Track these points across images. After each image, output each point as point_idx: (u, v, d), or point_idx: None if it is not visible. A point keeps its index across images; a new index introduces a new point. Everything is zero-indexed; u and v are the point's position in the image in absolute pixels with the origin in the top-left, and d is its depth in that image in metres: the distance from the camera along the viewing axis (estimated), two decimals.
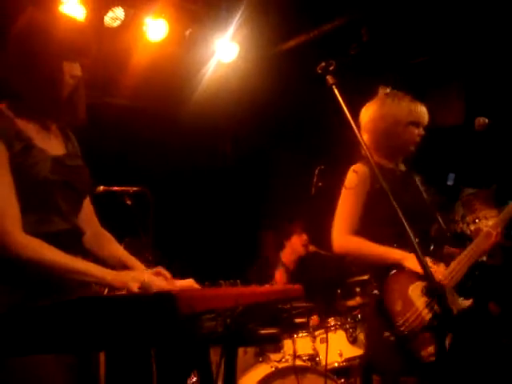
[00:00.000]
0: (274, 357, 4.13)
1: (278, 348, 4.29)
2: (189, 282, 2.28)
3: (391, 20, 5.09)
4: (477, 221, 6.06)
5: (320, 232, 5.26)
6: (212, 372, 1.83)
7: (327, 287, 4.80)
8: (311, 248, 5.06)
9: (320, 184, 4.88)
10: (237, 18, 4.96)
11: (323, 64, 2.49)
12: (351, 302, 4.71)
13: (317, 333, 4.49)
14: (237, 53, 5.32)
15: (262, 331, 1.98)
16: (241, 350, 3.95)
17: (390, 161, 3.25)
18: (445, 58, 5.42)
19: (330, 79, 2.47)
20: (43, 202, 2.12)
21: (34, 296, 2.03)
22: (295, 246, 5.41)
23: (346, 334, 4.43)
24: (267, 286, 2.33)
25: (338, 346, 4.39)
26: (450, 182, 7.03)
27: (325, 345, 4.32)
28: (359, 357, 4.30)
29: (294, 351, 3.92)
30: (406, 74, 5.64)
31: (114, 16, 4.71)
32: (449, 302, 2.95)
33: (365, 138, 3.19)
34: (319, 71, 2.50)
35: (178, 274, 2.47)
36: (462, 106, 5.76)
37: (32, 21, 2.24)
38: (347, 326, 4.45)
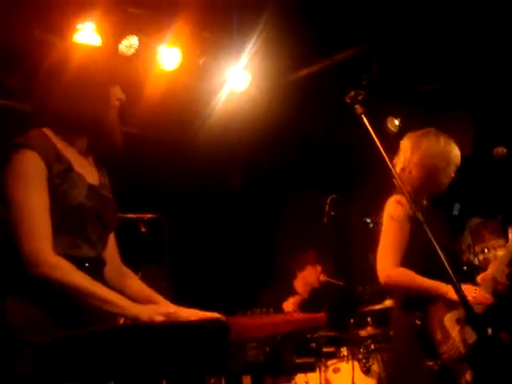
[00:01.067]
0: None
1: (289, 378, 4.26)
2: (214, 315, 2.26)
3: (401, 49, 5.14)
4: (486, 251, 6.06)
5: (331, 261, 5.29)
6: None
7: (340, 317, 4.77)
8: (322, 277, 5.04)
9: (332, 213, 4.90)
10: (250, 46, 4.99)
11: (352, 93, 2.51)
12: (363, 332, 4.69)
13: (329, 362, 4.46)
14: (249, 81, 5.35)
15: (298, 360, 1.97)
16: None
17: (419, 196, 3.26)
18: (455, 88, 5.46)
19: (358, 108, 2.49)
20: (75, 226, 2.12)
21: (61, 319, 2.03)
22: (309, 276, 5.39)
23: (360, 365, 4.41)
24: (295, 314, 2.31)
25: (350, 377, 4.36)
26: (455, 212, 7.06)
27: (337, 374, 4.29)
28: None
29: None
30: (416, 104, 5.68)
31: (129, 44, 4.74)
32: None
33: (415, 170, 3.22)
34: (348, 100, 2.53)
35: (192, 302, 2.49)
36: (471, 137, 5.79)
37: (73, 52, 2.28)
38: (360, 356, 4.43)
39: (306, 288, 5.44)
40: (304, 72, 5.42)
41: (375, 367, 4.35)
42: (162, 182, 5.52)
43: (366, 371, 4.37)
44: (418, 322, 2.96)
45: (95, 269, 2.20)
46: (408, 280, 3.05)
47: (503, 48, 4.85)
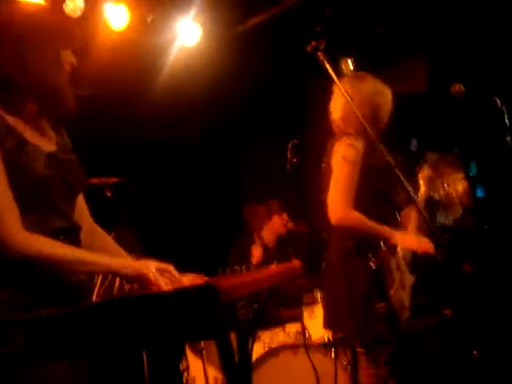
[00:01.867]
0: (264, 335, 4.16)
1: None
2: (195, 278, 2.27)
3: None
4: (445, 185, 6.19)
5: (296, 208, 5.32)
6: (251, 358, 1.83)
7: (310, 263, 4.83)
8: (290, 225, 5.08)
9: (295, 160, 4.89)
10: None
11: (314, 43, 2.50)
12: None
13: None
14: (200, 35, 5.26)
15: (284, 312, 2.02)
16: None
17: (364, 136, 3.27)
18: (407, 29, 5.48)
19: (320, 55, 2.49)
20: (40, 200, 2.05)
21: (45, 299, 1.99)
22: (276, 225, 5.44)
23: None
24: (274, 266, 2.33)
25: None
26: (413, 148, 7.17)
27: (313, 320, 4.38)
28: None
29: (303, 328, 3.83)
30: (370, 46, 5.69)
31: (74, 4, 4.60)
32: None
33: (362, 112, 3.23)
34: (309, 50, 2.52)
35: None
36: (426, 75, 5.85)
37: (20, 12, 2.18)
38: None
39: (272, 236, 5.50)
40: (255, 21, 5.35)
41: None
42: (118, 142, 5.44)
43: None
44: (374, 266, 3.01)
45: (71, 238, 2.14)
46: (360, 223, 3.11)
47: None
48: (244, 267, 2.16)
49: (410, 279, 3.15)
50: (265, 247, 5.45)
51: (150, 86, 5.45)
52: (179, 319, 1.47)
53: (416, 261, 3.23)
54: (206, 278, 2.03)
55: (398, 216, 3.26)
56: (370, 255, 3.05)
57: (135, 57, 5.23)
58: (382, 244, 3.10)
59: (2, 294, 1.95)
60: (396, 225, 3.21)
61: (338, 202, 3.12)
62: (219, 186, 6.26)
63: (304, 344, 3.72)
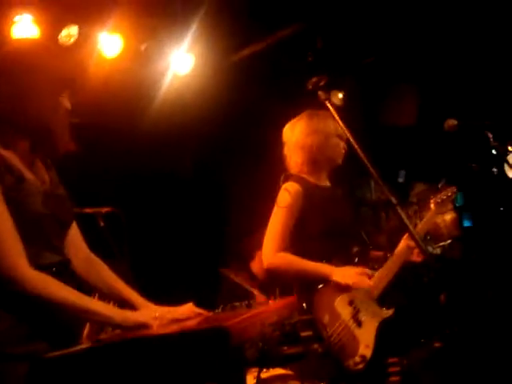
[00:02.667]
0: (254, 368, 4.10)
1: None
2: (190, 308, 2.27)
3: (343, 25, 5.18)
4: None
5: None
6: None
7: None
8: None
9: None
10: (192, 29, 4.94)
11: (314, 79, 2.51)
12: None
13: None
14: (192, 64, 5.29)
15: (287, 350, 2.00)
16: None
17: (317, 177, 3.37)
18: (398, 60, 5.55)
19: (321, 95, 2.50)
20: (35, 235, 2.05)
21: (38, 333, 1.99)
22: None
23: None
24: (271, 302, 2.32)
25: None
26: (400, 179, 7.22)
27: None
28: None
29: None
30: (360, 77, 5.75)
31: (68, 34, 4.61)
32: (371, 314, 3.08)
33: (296, 155, 3.36)
34: (310, 87, 2.53)
35: (155, 293, 2.48)
36: (416, 108, 5.92)
37: (20, 52, 2.19)
38: None
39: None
40: (248, 51, 5.40)
41: None
42: (112, 172, 5.42)
43: None
44: (304, 306, 3.03)
45: (62, 271, 2.17)
46: (288, 262, 3.14)
47: (445, 20, 4.94)
48: (245, 304, 2.16)
49: (378, 314, 3.06)
50: (252, 279, 5.41)
51: (142, 115, 5.45)
52: (189, 362, 1.46)
53: (387, 294, 3.15)
54: (210, 316, 2.03)
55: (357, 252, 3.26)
56: (305, 294, 3.08)
57: (128, 85, 5.23)
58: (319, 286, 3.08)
59: (4, 325, 1.94)
60: (351, 260, 3.19)
61: (266, 247, 3.19)
62: (208, 216, 6.23)
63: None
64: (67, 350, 1.60)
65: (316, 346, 2.85)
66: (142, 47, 5.01)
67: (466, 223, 6.62)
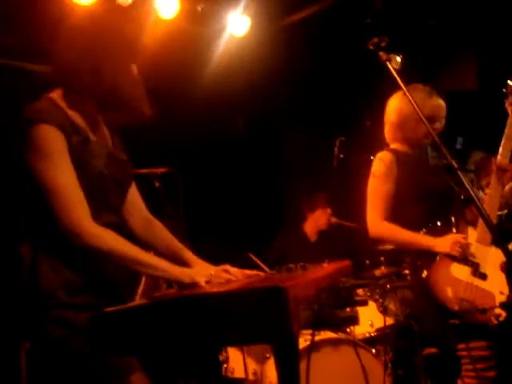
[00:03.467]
0: (306, 330, 4.12)
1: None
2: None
3: None
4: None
5: (342, 203, 5.29)
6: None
7: (354, 258, 4.78)
8: (333, 220, 5.05)
9: (342, 156, 4.87)
10: None
11: (376, 40, 2.46)
12: (377, 272, 4.71)
13: None
14: (248, 26, 5.25)
15: (341, 314, 2.00)
16: None
17: (410, 149, 3.41)
18: (458, 25, 5.39)
19: (383, 55, 2.45)
20: (97, 195, 2.13)
21: (97, 284, 2.08)
22: (319, 219, 5.42)
23: (376, 305, 4.44)
24: (326, 265, 2.31)
25: (368, 317, 4.41)
26: (458, 146, 7.06)
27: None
28: (390, 326, 4.31)
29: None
30: (419, 40, 5.60)
31: None
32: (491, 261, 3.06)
33: (390, 128, 3.44)
34: (371, 47, 2.48)
35: (208, 253, 2.50)
36: (475, 73, 5.75)
37: (97, 14, 2.23)
38: (377, 296, 4.46)
39: (314, 229, 5.47)
40: (304, 13, 5.31)
41: (392, 306, 4.38)
42: (166, 132, 5.44)
43: (383, 311, 4.40)
44: (425, 273, 3.09)
45: (121, 231, 2.22)
46: (392, 233, 3.26)
47: None
48: (300, 266, 2.16)
49: (494, 260, 3.05)
50: (304, 240, 5.43)
51: (198, 76, 5.45)
52: (243, 321, 1.46)
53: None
54: (265, 276, 2.03)
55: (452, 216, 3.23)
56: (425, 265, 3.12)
57: (184, 46, 5.23)
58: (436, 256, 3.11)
59: (53, 276, 2.02)
60: (448, 224, 3.19)
61: (369, 216, 3.31)
62: (263, 179, 6.24)
63: (353, 340, 3.69)
64: (125, 305, 1.63)
65: (454, 321, 2.92)
66: (199, 8, 4.99)
67: None
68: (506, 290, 2.99)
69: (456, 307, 2.93)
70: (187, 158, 5.51)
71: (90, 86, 2.11)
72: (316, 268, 2.15)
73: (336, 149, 4.85)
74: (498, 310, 2.89)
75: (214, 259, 2.41)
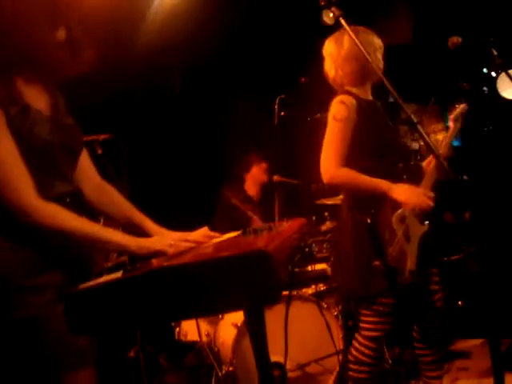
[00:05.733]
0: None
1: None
2: (205, 233, 2.26)
3: None
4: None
5: (285, 161, 5.30)
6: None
7: (300, 215, 4.83)
8: (276, 178, 5.05)
9: (282, 113, 4.87)
10: None
11: None
12: (323, 227, 4.78)
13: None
14: None
15: (311, 272, 2.01)
16: None
17: (364, 92, 3.30)
18: None
19: (335, 11, 2.42)
20: (45, 165, 2.05)
21: (54, 261, 2.01)
22: (256, 175, 5.42)
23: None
24: (285, 223, 2.31)
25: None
26: (391, 99, 7.18)
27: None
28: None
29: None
30: None
31: None
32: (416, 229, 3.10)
33: (345, 68, 3.25)
34: (322, 3, 2.45)
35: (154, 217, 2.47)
36: (410, 26, 5.82)
37: None
38: (324, 250, 4.53)
39: (255, 187, 5.48)
40: None
41: None
42: (101, 94, 5.29)
43: (331, 264, 4.48)
44: (369, 221, 3.00)
45: (76, 201, 2.17)
46: (350, 179, 3.11)
47: None
48: (267, 227, 2.15)
49: (419, 229, 3.08)
50: (249, 200, 5.43)
51: (132, 35, 5.29)
52: (228, 289, 1.44)
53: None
54: (238, 239, 2.02)
55: (403, 168, 3.25)
56: (367, 210, 2.96)
57: (118, 7, 5.04)
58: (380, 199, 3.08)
59: (11, 257, 1.95)
60: (399, 177, 3.15)
61: (327, 161, 3.12)
62: (201, 138, 6.17)
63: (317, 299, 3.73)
64: (99, 281, 1.58)
65: (378, 262, 2.87)
66: None
67: (455, 143, 6.62)
68: (415, 260, 3.03)
69: (390, 250, 2.96)
70: (125, 120, 5.39)
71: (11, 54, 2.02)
72: (282, 227, 2.14)
73: (276, 107, 4.84)
74: (407, 274, 2.97)
75: (158, 222, 2.39)
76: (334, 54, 3.30)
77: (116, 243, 2.00)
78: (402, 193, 3.06)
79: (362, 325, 3.24)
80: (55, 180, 2.08)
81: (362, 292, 3.15)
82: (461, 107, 3.46)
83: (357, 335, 3.25)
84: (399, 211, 3.05)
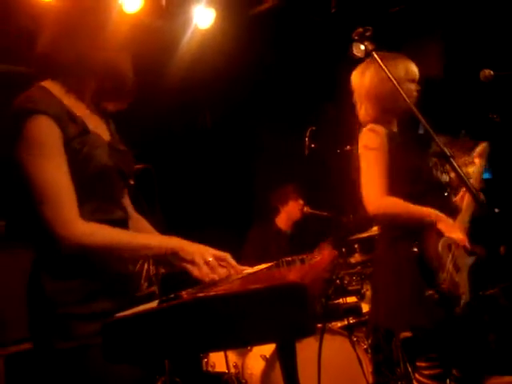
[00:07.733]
0: None
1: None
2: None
3: None
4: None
5: (315, 193, 5.32)
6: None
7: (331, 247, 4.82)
8: (306, 209, 5.06)
9: (313, 145, 4.89)
10: None
11: (360, 30, 2.46)
12: (352, 260, 4.77)
13: None
14: (213, 18, 5.21)
15: (344, 305, 1.99)
16: None
17: (389, 126, 3.21)
18: (423, 8, 5.42)
19: (368, 45, 2.45)
20: (102, 189, 2.04)
21: (97, 291, 1.99)
22: (292, 210, 5.42)
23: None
24: (319, 257, 2.30)
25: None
26: (421, 131, 7.16)
27: None
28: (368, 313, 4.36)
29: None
30: (383, 26, 5.63)
31: None
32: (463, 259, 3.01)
33: (367, 105, 3.21)
34: (355, 37, 2.47)
35: None
36: (441, 59, 5.82)
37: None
38: (354, 283, 4.51)
39: (289, 222, 5.48)
40: (268, 4, 5.29)
41: (369, 293, 4.43)
42: (133, 127, 5.37)
43: (361, 298, 4.46)
44: (416, 250, 2.88)
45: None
46: (400, 209, 2.98)
47: None
48: (299, 259, 2.14)
49: (467, 260, 2.99)
50: (279, 233, 5.43)
51: (163, 71, 5.38)
52: (263, 320, 1.43)
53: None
54: (271, 272, 2.01)
55: (442, 194, 3.17)
56: (414, 240, 2.93)
57: (149, 41, 5.14)
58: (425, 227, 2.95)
59: (56, 288, 1.94)
60: (437, 204, 3.05)
61: (370, 192, 3.01)
62: (233, 173, 6.20)
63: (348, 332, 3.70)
64: (137, 310, 1.59)
65: (431, 292, 2.80)
66: (163, 1, 4.92)
67: (486, 175, 6.56)
68: (467, 290, 2.95)
69: (441, 279, 2.83)
70: (157, 152, 5.45)
71: (82, 69, 2.06)
72: (314, 260, 2.13)
73: (307, 138, 4.87)
74: (462, 304, 2.88)
75: None
76: (357, 89, 3.27)
77: (162, 246, 1.96)
78: (449, 225, 2.95)
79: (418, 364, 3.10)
80: (110, 205, 2.08)
81: (415, 324, 3.01)
82: (483, 145, 3.43)
83: (417, 375, 3.11)
84: (444, 238, 2.93)
